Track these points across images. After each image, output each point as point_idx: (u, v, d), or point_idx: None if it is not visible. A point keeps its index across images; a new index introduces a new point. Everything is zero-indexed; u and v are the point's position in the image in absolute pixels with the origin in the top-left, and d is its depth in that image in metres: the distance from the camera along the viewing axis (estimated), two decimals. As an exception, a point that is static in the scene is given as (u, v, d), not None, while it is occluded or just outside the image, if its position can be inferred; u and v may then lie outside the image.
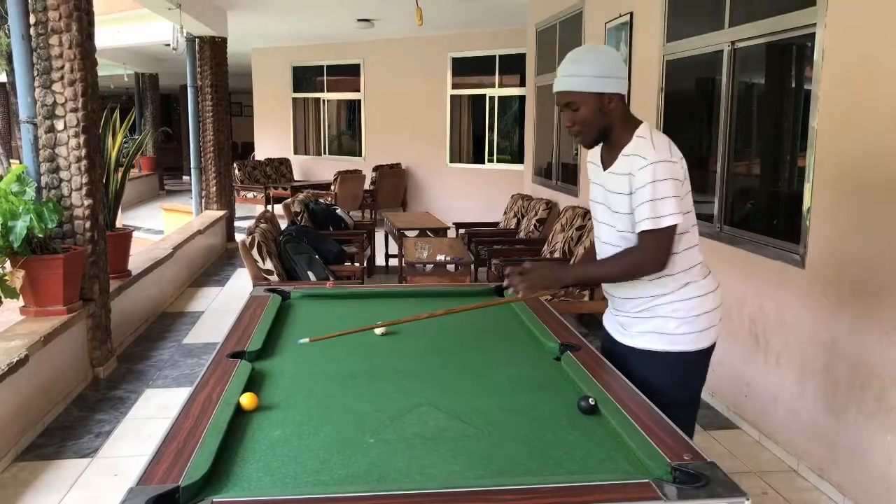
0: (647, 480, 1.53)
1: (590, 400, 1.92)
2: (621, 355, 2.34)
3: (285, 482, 1.57)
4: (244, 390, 2.00)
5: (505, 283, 2.37)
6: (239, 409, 1.91)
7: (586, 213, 6.02)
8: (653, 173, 2.10)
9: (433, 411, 1.94)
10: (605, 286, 2.42)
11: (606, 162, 2.30)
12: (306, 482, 1.56)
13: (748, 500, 1.44)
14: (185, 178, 17.09)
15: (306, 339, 2.28)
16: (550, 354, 2.41)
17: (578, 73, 2.18)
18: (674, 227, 2.14)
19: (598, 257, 2.40)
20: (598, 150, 2.36)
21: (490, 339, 2.66)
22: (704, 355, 2.31)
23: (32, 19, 4.34)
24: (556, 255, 6.22)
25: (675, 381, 2.18)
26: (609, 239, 2.32)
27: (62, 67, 4.37)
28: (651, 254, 2.17)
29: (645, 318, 2.29)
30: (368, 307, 3.07)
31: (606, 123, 2.22)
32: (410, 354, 2.47)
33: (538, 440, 1.78)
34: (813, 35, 3.38)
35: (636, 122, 2.24)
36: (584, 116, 2.20)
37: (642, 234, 2.16)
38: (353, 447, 1.73)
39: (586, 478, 1.57)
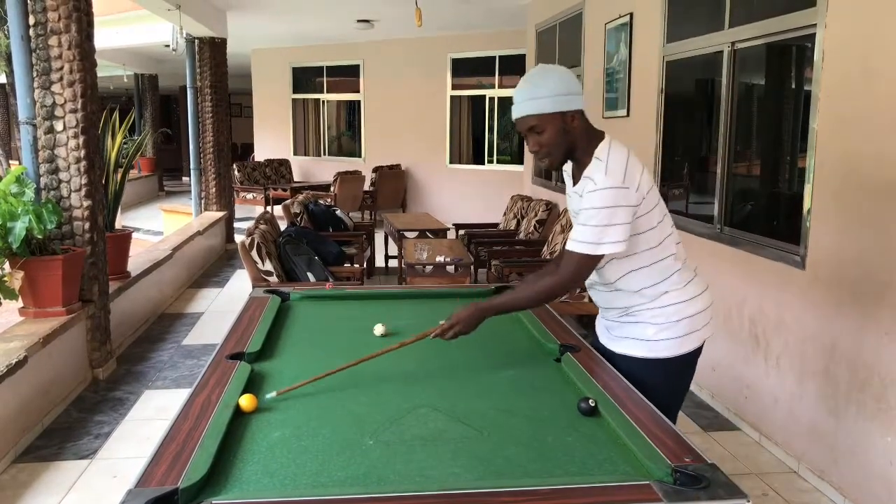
0: (647, 482, 1.52)
1: (590, 401, 1.92)
2: (608, 359, 2.35)
3: (284, 484, 1.56)
4: (243, 392, 1.99)
5: (433, 334, 2.31)
6: (238, 410, 1.90)
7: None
8: (600, 199, 2.07)
9: (432, 413, 1.94)
10: (590, 293, 2.43)
11: (575, 178, 2.29)
12: (305, 484, 1.56)
13: (748, 501, 1.43)
14: (185, 179, 17.08)
15: (273, 394, 2.04)
16: (550, 356, 2.41)
17: (536, 95, 2.14)
18: (593, 256, 2.12)
19: None
20: (569, 164, 2.33)
21: (489, 340, 2.65)
22: (687, 360, 2.29)
23: (32, 20, 4.33)
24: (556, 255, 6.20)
25: (655, 387, 2.13)
26: None
27: (61, 68, 4.36)
28: (568, 277, 2.17)
29: (625, 324, 2.31)
30: (367, 308, 3.07)
31: (571, 141, 2.19)
32: (410, 356, 2.46)
33: (538, 442, 1.77)
34: (813, 36, 3.38)
35: (599, 138, 2.20)
36: (549, 139, 2.17)
37: (569, 252, 2.14)
38: (353, 449, 1.72)
39: (586, 479, 1.57)
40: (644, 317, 2.25)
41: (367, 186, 12.09)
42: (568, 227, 6.25)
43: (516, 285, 2.32)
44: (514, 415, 1.94)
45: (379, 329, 2.63)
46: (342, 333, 2.72)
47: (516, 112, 2.19)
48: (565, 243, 2.19)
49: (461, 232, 7.84)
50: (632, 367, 2.25)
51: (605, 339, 2.42)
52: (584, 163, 2.19)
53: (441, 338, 2.29)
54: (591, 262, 2.15)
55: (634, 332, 2.28)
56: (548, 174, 8.04)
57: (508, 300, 2.33)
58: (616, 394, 2.00)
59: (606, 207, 2.07)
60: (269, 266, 5.02)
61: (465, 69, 11.83)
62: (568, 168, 2.36)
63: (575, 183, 2.28)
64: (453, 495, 1.49)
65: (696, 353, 2.31)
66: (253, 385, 2.11)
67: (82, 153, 4.46)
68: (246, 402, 1.93)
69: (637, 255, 2.20)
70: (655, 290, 2.23)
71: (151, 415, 4.15)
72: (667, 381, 2.27)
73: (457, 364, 2.38)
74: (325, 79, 13.74)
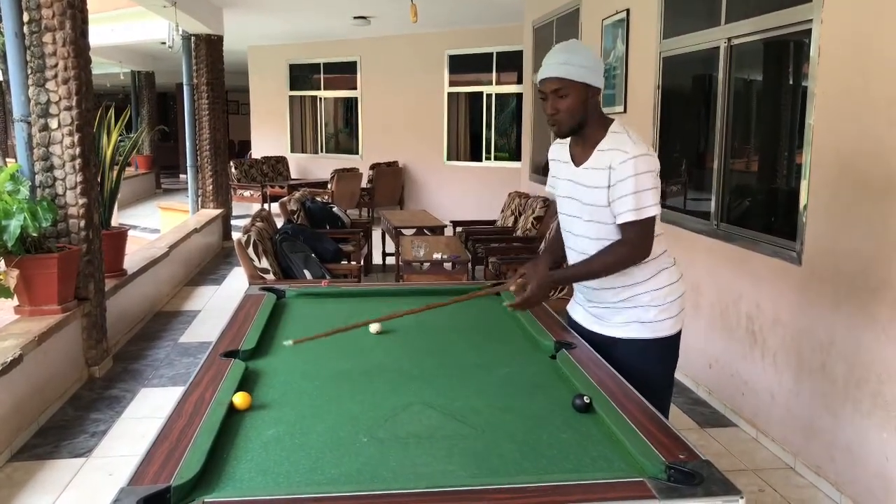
0: (641, 479, 1.52)
1: (584, 398, 1.91)
2: (599, 346, 2.39)
3: (277, 482, 1.55)
4: (237, 389, 1.99)
5: (510, 302, 2.42)
6: (232, 408, 1.90)
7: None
8: (635, 167, 2.18)
9: (427, 410, 1.93)
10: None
11: (579, 158, 2.36)
12: (298, 482, 1.55)
13: (742, 498, 1.43)
14: (183, 176, 17.03)
15: (290, 342, 2.26)
16: (546, 353, 2.40)
17: (572, 62, 2.22)
18: (654, 217, 2.23)
19: (568, 248, 2.47)
20: (564, 147, 2.44)
21: (485, 337, 2.65)
22: (678, 338, 2.43)
23: (26, 17, 4.32)
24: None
25: (659, 365, 2.33)
26: (582, 231, 2.37)
27: (56, 65, 4.35)
28: (637, 244, 2.25)
29: (624, 308, 2.37)
30: (363, 306, 3.06)
31: (585, 115, 2.28)
32: (405, 353, 2.46)
33: (533, 439, 1.77)
34: (809, 31, 3.37)
35: (608, 120, 2.33)
36: (569, 105, 2.25)
37: (626, 225, 2.23)
38: (347, 446, 1.72)
39: (580, 477, 1.56)
40: (643, 300, 2.34)
41: (364, 184, 12.07)
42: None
43: (588, 258, 2.36)
44: (509, 412, 1.93)
45: (374, 326, 2.62)
46: (337, 331, 2.71)
47: (548, 72, 2.25)
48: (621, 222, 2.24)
49: (458, 229, 7.84)
50: (636, 351, 2.34)
51: (597, 327, 2.46)
52: (594, 139, 2.29)
53: (515, 307, 2.39)
54: (645, 228, 2.23)
55: (636, 316, 2.35)
56: (545, 171, 8.02)
57: (582, 271, 2.36)
58: (611, 390, 2.00)
59: (643, 173, 2.17)
60: (265, 263, 5.01)
61: (462, 66, 11.82)
62: (562, 153, 2.43)
63: (578, 163, 2.35)
64: (447, 493, 1.49)
65: (680, 333, 2.45)
66: (247, 383, 2.10)
67: (77, 151, 4.45)
68: (240, 399, 1.92)
69: None
70: (651, 268, 2.33)
71: (148, 413, 4.14)
72: (665, 359, 2.41)
73: (452, 361, 2.37)
74: (322, 76, 13.72)
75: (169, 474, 1.50)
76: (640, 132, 5.44)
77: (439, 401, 2.00)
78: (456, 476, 1.58)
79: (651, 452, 1.61)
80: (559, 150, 2.48)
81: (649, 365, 2.31)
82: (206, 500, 1.45)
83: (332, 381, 2.17)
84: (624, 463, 1.63)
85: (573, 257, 2.46)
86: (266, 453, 1.68)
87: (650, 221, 2.23)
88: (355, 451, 1.69)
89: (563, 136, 2.37)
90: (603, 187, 2.24)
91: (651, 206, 2.20)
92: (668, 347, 2.40)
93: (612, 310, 2.40)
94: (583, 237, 2.37)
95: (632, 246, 2.26)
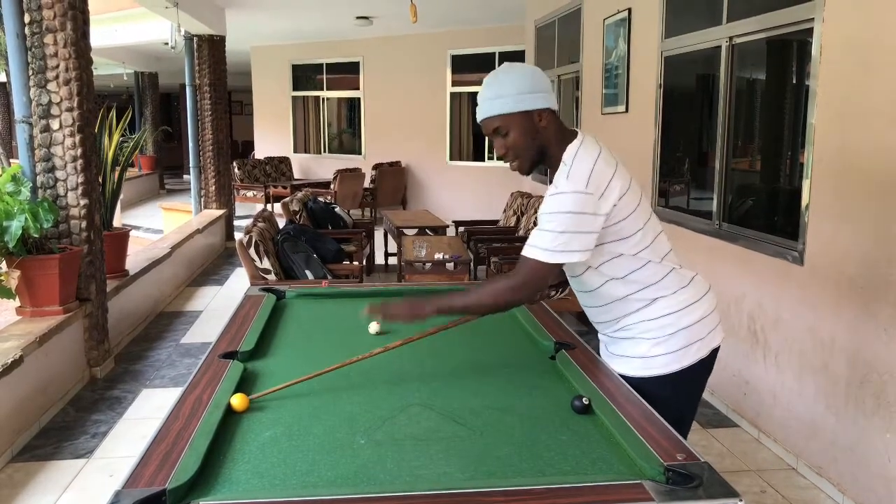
0: (639, 481, 1.51)
1: (583, 399, 1.90)
2: None
3: (274, 484, 1.55)
4: (236, 391, 1.98)
5: (366, 312, 2.26)
6: (229, 410, 1.89)
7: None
8: (558, 204, 1.94)
9: (425, 412, 1.93)
10: (580, 301, 2.28)
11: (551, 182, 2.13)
12: (295, 484, 1.54)
13: (741, 500, 1.42)
14: (186, 177, 17.06)
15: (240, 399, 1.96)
16: (545, 353, 2.39)
17: (500, 94, 2.00)
18: (546, 264, 1.96)
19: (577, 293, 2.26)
20: None
21: (484, 337, 2.64)
22: (690, 373, 2.11)
23: (27, 18, 4.32)
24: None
25: (656, 406, 1.89)
26: (576, 281, 2.20)
27: (57, 66, 4.35)
28: (521, 283, 2.01)
29: (618, 340, 2.19)
30: (363, 306, 3.03)
31: (542, 143, 2.04)
32: (403, 354, 2.44)
33: (531, 440, 1.76)
34: (811, 30, 3.35)
35: (569, 140, 2.05)
36: (515, 140, 2.03)
37: (523, 258, 2.00)
38: (344, 448, 1.71)
39: (579, 478, 1.55)
40: (636, 330, 2.12)
41: (367, 184, 12.08)
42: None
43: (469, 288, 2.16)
44: (508, 413, 1.92)
45: (374, 327, 2.61)
46: (336, 332, 2.71)
47: (480, 113, 2.05)
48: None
49: (461, 229, 7.83)
50: (633, 386, 2.04)
51: (604, 356, 2.29)
52: (556, 164, 2.05)
53: (371, 311, 2.22)
54: (544, 271, 1.98)
55: (627, 349, 2.15)
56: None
57: (453, 302, 2.15)
58: (610, 391, 1.99)
59: (565, 213, 1.93)
60: (267, 264, 5.01)
61: (464, 66, 11.81)
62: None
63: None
64: (444, 495, 1.48)
65: (703, 364, 2.13)
66: (245, 384, 2.10)
67: (79, 151, 4.45)
68: (237, 401, 1.91)
69: (616, 261, 2.06)
70: (643, 295, 2.09)
71: (149, 413, 4.14)
72: (670, 396, 2.07)
73: (450, 362, 2.36)
74: (324, 76, 13.73)
75: (165, 477, 1.50)
76: (641, 132, 5.45)
77: (437, 402, 1.99)
78: (454, 478, 1.57)
79: (650, 454, 1.60)
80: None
81: (650, 400, 1.93)
82: (201, 502, 1.44)
83: (329, 382, 2.16)
84: (622, 465, 1.62)
85: (582, 300, 2.25)
86: (263, 455, 1.67)
87: (553, 267, 1.96)
88: (352, 454, 1.68)
89: (527, 173, 2.13)
90: None
91: (563, 252, 1.93)
92: (668, 385, 2.08)
93: (610, 339, 2.24)
94: (577, 287, 2.19)
95: (518, 282, 2.01)
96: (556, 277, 2.15)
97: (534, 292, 2.06)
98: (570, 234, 1.93)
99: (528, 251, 1.99)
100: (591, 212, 1.94)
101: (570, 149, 2.02)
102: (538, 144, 2.05)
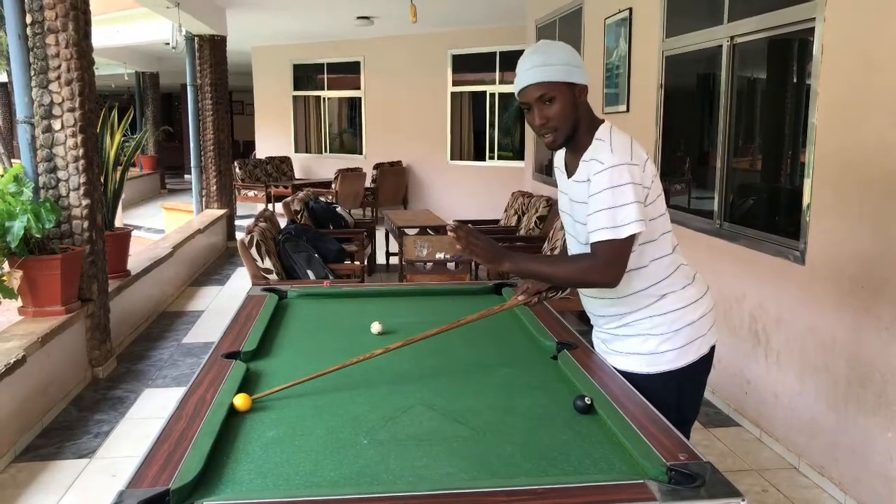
0: (641, 481, 1.51)
1: (585, 399, 1.90)
2: None
3: (277, 484, 1.55)
4: (238, 391, 1.98)
5: (448, 230, 2.12)
6: (232, 410, 1.89)
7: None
8: (609, 178, 1.92)
9: (428, 412, 1.93)
10: (583, 302, 2.29)
11: (570, 168, 2.13)
12: (298, 484, 1.55)
13: (744, 500, 1.42)
14: (187, 176, 17.07)
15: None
16: (547, 353, 2.39)
17: (548, 62, 1.99)
18: (633, 236, 1.95)
19: None
20: (562, 155, 2.21)
21: (487, 337, 2.64)
22: (692, 370, 2.13)
23: (29, 19, 4.33)
24: (557, 251, 6.20)
25: (660, 403, 1.90)
26: (577, 251, 2.17)
27: (59, 67, 4.36)
28: (604, 265, 1.97)
29: (622, 337, 2.17)
30: (365, 306, 3.06)
31: (577, 118, 2.04)
32: (406, 354, 2.44)
33: (533, 440, 1.76)
34: (812, 30, 3.36)
35: (597, 122, 2.07)
36: (559, 110, 2.00)
37: (598, 244, 1.96)
38: (347, 448, 1.71)
39: (581, 478, 1.55)
40: (643, 327, 2.11)
41: (368, 183, 12.08)
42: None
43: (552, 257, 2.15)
44: (510, 413, 1.93)
45: (376, 327, 2.62)
46: (338, 331, 2.71)
47: (526, 79, 2.02)
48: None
49: (462, 229, 7.81)
50: (634, 383, 2.05)
51: (603, 353, 2.27)
52: (583, 146, 2.05)
53: (454, 232, 2.05)
54: (620, 249, 1.95)
55: (634, 346, 2.13)
56: (549, 170, 8.02)
57: (541, 266, 2.11)
58: (612, 391, 1.99)
59: (620, 185, 1.91)
60: (268, 264, 5.01)
61: (465, 65, 11.81)
62: (559, 162, 2.24)
63: (570, 174, 2.13)
64: (447, 495, 1.48)
65: (704, 361, 2.15)
66: (248, 384, 2.10)
67: (80, 152, 4.46)
68: (240, 401, 1.92)
69: (642, 248, 2.04)
70: (653, 293, 2.09)
71: (151, 413, 4.15)
72: (673, 393, 2.09)
73: (453, 362, 2.36)
74: (325, 76, 13.74)
75: (168, 477, 1.50)
76: (642, 131, 5.45)
77: (440, 402, 1.99)
78: (456, 478, 1.57)
79: (652, 454, 1.60)
80: (559, 157, 2.24)
81: (652, 398, 1.93)
82: (205, 502, 1.45)
83: (332, 382, 2.16)
84: (625, 465, 1.62)
85: (590, 291, 2.22)
86: (266, 455, 1.68)
87: (627, 242, 1.94)
88: (355, 454, 1.68)
89: (559, 148, 2.12)
90: (584, 202, 2.01)
91: (629, 224, 1.91)
92: (672, 383, 2.10)
93: (610, 336, 2.22)
94: None
95: (601, 265, 1.97)
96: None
97: (619, 272, 1.98)
98: (630, 206, 1.92)
99: (596, 236, 1.95)
100: (639, 182, 1.95)
101: (604, 128, 2.05)
102: (575, 118, 2.04)
